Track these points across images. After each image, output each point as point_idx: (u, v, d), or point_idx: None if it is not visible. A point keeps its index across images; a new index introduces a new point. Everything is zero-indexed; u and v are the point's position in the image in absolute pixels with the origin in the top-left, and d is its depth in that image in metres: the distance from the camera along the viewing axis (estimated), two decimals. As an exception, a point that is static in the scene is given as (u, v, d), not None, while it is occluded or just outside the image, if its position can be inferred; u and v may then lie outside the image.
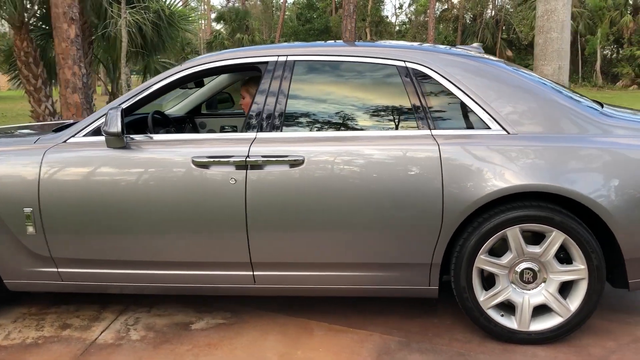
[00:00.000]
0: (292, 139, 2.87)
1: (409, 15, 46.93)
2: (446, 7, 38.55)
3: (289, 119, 2.93)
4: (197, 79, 3.22)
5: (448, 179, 2.70)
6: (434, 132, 2.80)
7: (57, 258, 3.02)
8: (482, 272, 2.82)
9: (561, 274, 2.75)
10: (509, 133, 2.77)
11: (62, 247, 2.99)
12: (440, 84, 2.87)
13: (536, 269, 2.77)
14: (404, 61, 2.94)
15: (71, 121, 3.99)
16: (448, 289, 2.93)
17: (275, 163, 2.80)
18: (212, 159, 2.83)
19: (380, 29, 39.18)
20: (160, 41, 10.53)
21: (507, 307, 2.86)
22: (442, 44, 30.95)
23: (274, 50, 3.07)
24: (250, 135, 2.91)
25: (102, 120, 3.02)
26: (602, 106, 3.03)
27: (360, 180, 2.75)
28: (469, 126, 2.82)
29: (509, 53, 33.14)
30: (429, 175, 2.71)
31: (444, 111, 2.85)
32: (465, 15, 35.90)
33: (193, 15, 11.47)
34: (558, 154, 2.68)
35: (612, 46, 33.38)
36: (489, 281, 2.85)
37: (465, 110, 2.84)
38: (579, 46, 32.44)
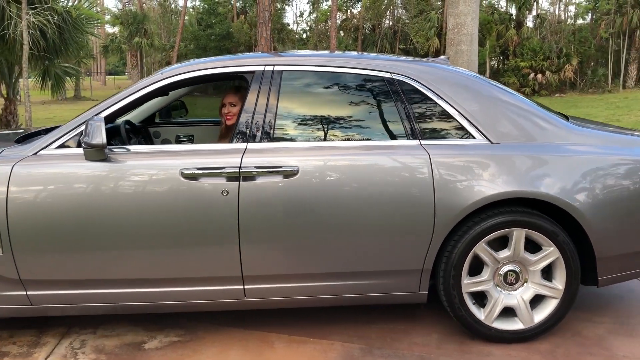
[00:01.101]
0: (284, 149, 2.84)
1: (310, 24, 47.60)
2: (346, 16, 39.49)
3: (279, 129, 2.91)
4: (179, 88, 3.10)
5: (439, 187, 2.78)
6: (423, 142, 2.90)
7: (27, 280, 2.77)
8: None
9: (537, 263, 2.92)
10: (492, 142, 2.91)
11: (34, 269, 2.75)
12: (426, 95, 2.96)
13: (518, 270, 2.95)
14: (390, 72, 3.00)
15: (32, 130, 3.67)
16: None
17: (269, 174, 2.76)
18: (202, 171, 2.74)
19: (283, 36, 39.40)
20: (63, 44, 9.96)
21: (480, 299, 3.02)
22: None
23: (260, 59, 3.04)
24: (241, 146, 2.84)
25: (77, 131, 2.84)
26: (568, 119, 3.25)
27: (354, 190, 2.77)
28: (454, 136, 2.93)
29: (407, 62, 34.48)
30: (421, 183, 2.78)
31: (430, 122, 2.95)
32: (365, 25, 36.98)
33: (101, 18, 10.94)
34: (539, 161, 2.86)
35: (499, 57, 35.67)
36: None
37: (449, 120, 2.95)
38: (470, 57, 34.30)
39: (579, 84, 32.08)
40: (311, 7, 45.97)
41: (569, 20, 40.74)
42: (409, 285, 2.92)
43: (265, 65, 2.99)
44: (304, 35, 47.37)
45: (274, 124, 2.90)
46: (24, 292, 2.80)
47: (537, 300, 2.99)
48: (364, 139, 2.93)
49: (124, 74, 69.24)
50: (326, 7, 41.98)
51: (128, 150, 2.83)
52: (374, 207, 2.78)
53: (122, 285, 2.81)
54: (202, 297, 2.87)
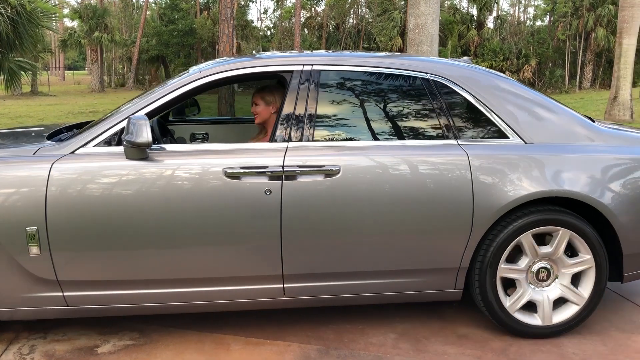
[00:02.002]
0: (324, 149, 2.85)
1: (274, 21, 47.43)
2: (311, 14, 39.48)
3: (318, 129, 2.91)
4: (217, 87, 3.03)
5: (477, 186, 2.85)
6: (460, 142, 2.95)
7: (64, 281, 2.72)
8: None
9: (571, 267, 3.02)
10: (525, 142, 2.99)
11: (71, 269, 2.70)
12: (461, 96, 3.02)
13: (551, 269, 3.03)
14: (427, 73, 3.05)
15: (61, 125, 3.63)
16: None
17: (311, 173, 2.77)
18: (246, 170, 2.74)
19: (246, 33, 39.14)
20: (17, 39, 9.66)
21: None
22: (308, 50, 31.72)
23: (298, 59, 3.04)
24: (282, 145, 2.85)
25: (115, 129, 2.80)
26: (593, 120, 3.32)
27: (394, 189, 2.81)
28: (489, 136, 2.99)
29: (370, 61, 34.67)
30: (460, 183, 2.84)
31: (466, 122, 3.01)
32: (329, 23, 37.04)
33: (59, 11, 10.65)
34: (571, 161, 2.95)
35: (461, 58, 36.26)
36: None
37: (484, 120, 3.01)
38: (433, 57, 34.70)
39: (537, 84, 32.83)
40: (275, 4, 45.81)
41: (528, 21, 41.68)
42: (446, 283, 2.98)
43: (303, 64, 2.99)
44: (268, 33, 47.18)
45: (314, 123, 2.91)
46: (61, 293, 2.75)
47: (559, 302, 3.07)
48: (401, 139, 2.96)
49: (84, 69, 67.72)
50: (290, 5, 41.89)
51: (164, 149, 2.80)
52: (414, 206, 2.82)
53: (160, 286, 2.79)
54: (241, 297, 2.87)
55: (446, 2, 36.15)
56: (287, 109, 2.91)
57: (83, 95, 28.69)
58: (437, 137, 2.97)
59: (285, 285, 2.87)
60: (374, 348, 2.95)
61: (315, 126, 2.91)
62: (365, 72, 3.04)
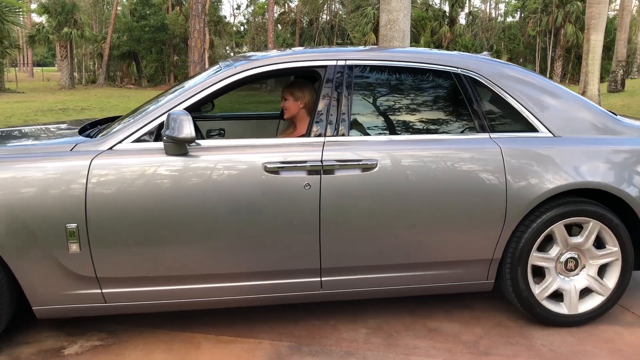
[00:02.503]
0: (360, 143, 2.88)
1: (247, 17, 47.13)
2: (284, 10, 39.34)
3: (353, 123, 2.95)
4: (252, 82, 3.05)
5: (510, 179, 2.91)
6: (492, 135, 3.01)
7: (103, 278, 2.71)
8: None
9: (599, 258, 3.10)
10: (554, 135, 3.06)
11: (111, 266, 2.69)
12: (492, 90, 3.08)
13: (579, 259, 3.11)
14: (458, 68, 3.10)
15: (85, 121, 3.64)
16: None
17: (348, 167, 2.80)
18: (285, 165, 2.76)
19: (219, 28, 38.83)
20: (-19, 34, 9.42)
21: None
22: (282, 47, 31.28)
23: (333, 54, 3.04)
24: (319, 139, 2.88)
25: (152, 125, 2.78)
26: (616, 114, 3.39)
27: (429, 182, 2.85)
28: (519, 130, 3.05)
29: (344, 57, 34.70)
30: (494, 175, 2.90)
31: (496, 115, 3.07)
32: (302, 19, 36.96)
33: (25, 6, 10.42)
34: (598, 154, 3.03)
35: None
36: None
37: (514, 114, 3.07)
38: (406, 52, 34.81)
39: (508, 80, 33.19)
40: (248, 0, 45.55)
41: (499, 18, 42.15)
42: (478, 275, 3.04)
43: (337, 60, 3.01)
44: (242, 28, 46.89)
45: (349, 117, 2.94)
46: (99, 290, 2.74)
47: (583, 292, 3.14)
48: (435, 133, 3.01)
49: (54, 66, 66.46)
50: (263, 1, 41.69)
51: (199, 144, 2.78)
52: (449, 199, 2.87)
53: (199, 281, 2.80)
54: (278, 291, 2.89)
55: (419, -2, 36.37)
56: (323, 104, 2.94)
57: (53, 92, 28.11)
58: (470, 131, 3.03)
59: (322, 279, 2.91)
60: (346, 343, 2.95)
61: (350, 121, 2.94)
62: (397, 67, 3.08)
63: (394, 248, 2.90)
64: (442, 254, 2.94)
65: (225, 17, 42.02)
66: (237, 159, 2.75)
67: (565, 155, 2.99)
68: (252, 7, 46.09)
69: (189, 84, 3.09)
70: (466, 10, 37.70)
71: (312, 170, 2.78)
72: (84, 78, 41.18)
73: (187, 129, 2.60)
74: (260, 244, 2.78)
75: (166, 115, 2.69)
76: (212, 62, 36.82)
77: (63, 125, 3.60)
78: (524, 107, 3.07)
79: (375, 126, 3.01)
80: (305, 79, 3.53)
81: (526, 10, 37.96)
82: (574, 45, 33.75)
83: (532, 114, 3.07)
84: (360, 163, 2.81)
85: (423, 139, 2.96)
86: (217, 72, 2.98)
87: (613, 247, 3.07)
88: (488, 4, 44.56)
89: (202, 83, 2.90)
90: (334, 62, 3.01)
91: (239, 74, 2.92)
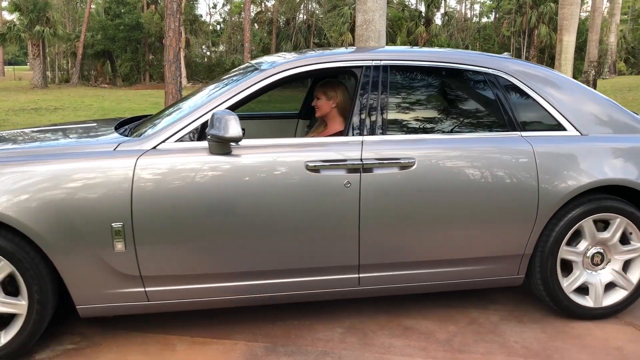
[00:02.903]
0: (398, 142, 2.95)
1: (223, 16, 46.88)
2: (261, 9, 39.21)
3: (390, 122, 3.01)
4: (289, 82, 3.10)
5: (542, 176, 3.01)
6: (523, 134, 3.10)
7: (146, 276, 2.73)
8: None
9: (625, 254, 3.22)
10: (581, 134, 3.16)
11: (154, 264, 2.72)
12: (522, 91, 3.18)
13: (605, 254, 3.21)
14: (489, 68, 3.18)
15: (116, 120, 3.72)
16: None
17: (387, 166, 2.87)
18: (326, 163, 2.81)
19: (195, 27, 38.55)
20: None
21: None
22: (258, 46, 30.93)
23: (369, 54, 3.13)
24: (357, 138, 2.93)
25: (194, 125, 2.82)
26: (638, 113, 3.49)
27: (465, 180, 2.94)
28: (548, 129, 3.16)
29: (321, 57, 34.68)
30: (528, 173, 3.00)
31: (527, 115, 3.16)
32: (279, 18, 36.87)
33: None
34: (625, 152, 3.15)
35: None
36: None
37: (543, 114, 3.17)
38: (382, 52, 34.94)
39: (484, 79, 33.57)
40: (225, -2, 45.32)
41: (474, 18, 42.60)
42: (510, 270, 3.14)
43: (373, 60, 3.07)
44: (218, 27, 46.62)
45: (386, 117, 3.00)
46: (143, 289, 2.76)
47: (609, 286, 3.24)
48: (469, 131, 3.09)
49: (26, 64, 65.28)
50: (240, 0, 41.50)
51: (239, 144, 2.81)
52: (484, 196, 2.96)
53: (239, 279, 2.84)
54: (317, 287, 2.94)
55: (395, -2, 36.57)
56: (361, 103, 3.00)
57: (25, 92, 27.62)
58: (501, 130, 3.11)
59: (360, 275, 2.96)
60: (322, 343, 2.96)
61: (387, 120, 3.00)
62: (431, 67, 3.15)
63: (430, 245, 2.98)
64: (477, 250, 3.03)
65: (201, 16, 41.81)
66: (279, 157, 2.81)
67: (593, 153, 3.10)
68: (228, 6, 45.86)
69: (224, 84, 3.19)
70: (442, 10, 38.03)
71: (352, 169, 2.84)
72: (57, 77, 40.54)
73: (235, 129, 2.62)
74: (301, 241, 2.83)
75: (210, 114, 2.72)
76: (188, 61, 36.59)
77: (93, 124, 3.66)
78: (553, 107, 3.18)
79: (411, 125, 3.08)
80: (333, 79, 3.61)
81: (501, 11, 38.45)
82: (547, 46, 34.26)
83: (560, 114, 3.17)
84: (398, 161, 2.88)
85: (457, 137, 3.04)
86: (254, 73, 3.00)
87: (637, 243, 3.20)
88: (463, 4, 45.02)
89: (243, 83, 2.93)
90: (370, 63, 3.07)
91: (280, 74, 2.96)
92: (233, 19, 44.77)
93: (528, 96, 3.17)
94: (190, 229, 2.70)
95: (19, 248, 2.59)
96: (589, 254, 3.18)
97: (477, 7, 45.97)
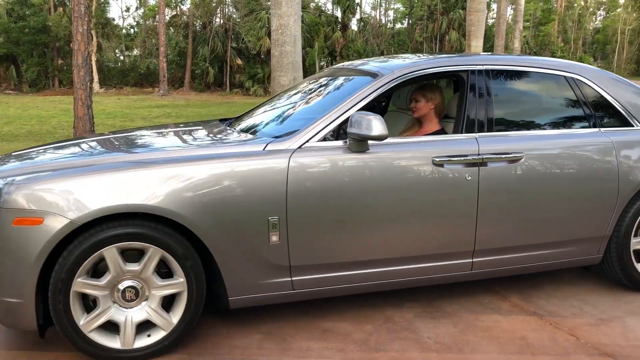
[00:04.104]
0: (507, 138, 3.33)
1: (137, 19, 45.50)
2: (176, 13, 38.37)
3: (497, 121, 3.37)
4: (403, 86, 3.51)
5: (621, 166, 3.49)
6: (602, 129, 3.56)
7: (294, 266, 2.97)
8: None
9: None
10: None
11: (303, 254, 2.97)
12: (597, 92, 3.64)
13: None
14: (570, 72, 3.64)
15: (221, 119, 4.14)
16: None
17: (500, 160, 3.24)
18: (450, 158, 3.14)
19: (108, 31, 37.18)
20: None
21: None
22: (174, 50, 30.02)
23: (473, 59, 3.50)
24: (471, 135, 3.28)
25: (332, 126, 3.06)
26: None
27: (564, 170, 3.36)
28: (618, 125, 3.64)
29: (239, 61, 34.41)
30: (610, 164, 3.47)
31: (602, 113, 3.63)
32: (195, 22, 36.21)
33: None
34: None
35: (327, 58, 37.17)
36: None
37: (614, 112, 3.65)
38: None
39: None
40: (138, 1, 44.06)
41: (389, 24, 43.72)
42: (592, 250, 3.57)
43: (477, 65, 3.43)
44: (132, 31, 45.21)
45: (492, 115, 3.36)
46: (289, 278, 2.98)
47: None
48: (560, 128, 3.52)
49: None
50: (154, 3, 40.47)
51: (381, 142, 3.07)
52: (579, 184, 3.40)
53: (372, 266, 3.11)
54: (435, 272, 3.26)
55: (311, 3, 36.91)
56: (470, 103, 3.34)
57: None
58: (584, 126, 3.56)
59: (473, 260, 3.29)
60: (239, 351, 2.92)
61: (493, 118, 3.36)
62: (523, 71, 3.57)
63: (532, 229, 3.36)
64: (571, 232, 3.45)
65: (113, 19, 40.34)
66: (409, 154, 3.11)
67: None
68: (142, 10, 44.57)
69: (334, 87, 3.65)
70: (357, 16, 38.73)
71: (471, 163, 3.18)
72: (-45, 83, 37.79)
73: (379, 128, 2.88)
74: (427, 230, 3.15)
75: (352, 115, 2.96)
76: (100, 66, 35.18)
77: (214, 122, 4.03)
78: (622, 106, 3.66)
79: (513, 122, 3.46)
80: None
81: (413, 17, 39.68)
82: (457, 50, 35.67)
83: (627, 111, 3.67)
84: (510, 156, 3.26)
85: (552, 133, 3.47)
86: (374, 80, 3.24)
87: None
88: (378, 10, 46.10)
89: (369, 87, 3.20)
90: (474, 67, 3.42)
91: (400, 78, 3.27)
92: (147, 22, 43.52)
93: (601, 96, 3.65)
94: (335, 221, 2.97)
95: (167, 235, 2.73)
96: None
97: (391, 13, 47.23)
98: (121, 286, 2.74)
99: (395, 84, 3.25)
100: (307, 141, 3.01)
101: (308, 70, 36.46)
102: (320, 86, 3.85)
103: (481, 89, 3.38)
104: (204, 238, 2.78)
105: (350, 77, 3.60)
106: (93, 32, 34.17)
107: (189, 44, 34.97)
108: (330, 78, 3.90)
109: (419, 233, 3.14)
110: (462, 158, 3.18)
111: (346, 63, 4.08)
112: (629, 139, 3.59)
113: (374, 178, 3.01)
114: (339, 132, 3.11)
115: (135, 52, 43.01)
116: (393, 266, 3.15)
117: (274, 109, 3.91)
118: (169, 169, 2.77)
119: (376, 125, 2.88)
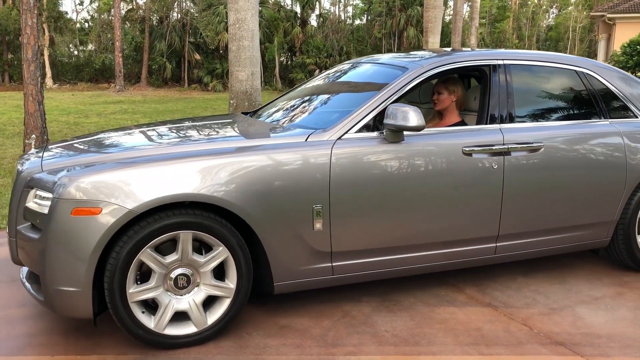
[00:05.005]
0: (528, 129, 3.54)
1: (91, 13, 44.40)
2: (132, 7, 37.58)
3: (517, 113, 3.57)
4: (430, 80, 3.64)
5: (628, 155, 3.74)
6: (611, 121, 3.81)
7: (335, 252, 3.10)
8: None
9: None
10: None
11: (343, 240, 3.10)
12: (604, 85, 3.89)
13: None
14: (580, 67, 3.87)
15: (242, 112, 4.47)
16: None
17: (523, 149, 3.43)
18: (478, 147, 3.32)
19: (60, 25, 36.14)
20: None
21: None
22: (130, 45, 29.51)
23: (495, 55, 3.68)
24: (496, 126, 3.47)
25: (368, 118, 3.20)
26: None
27: (577, 158, 3.58)
28: (623, 116, 3.89)
29: (197, 56, 33.94)
30: (618, 152, 3.72)
31: (609, 105, 3.88)
32: (152, 16, 35.53)
33: None
34: None
35: (287, 54, 37.02)
36: None
37: (620, 104, 3.91)
38: (260, 53, 34.91)
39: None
40: (92, -5, 42.95)
41: (348, 20, 43.85)
42: (602, 234, 3.81)
43: (498, 59, 3.62)
44: (86, 25, 44.10)
45: (514, 108, 3.55)
46: (330, 264, 3.12)
47: None
48: (574, 119, 3.76)
49: None
50: (109, -4, 39.52)
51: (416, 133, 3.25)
52: (592, 172, 3.63)
53: (407, 251, 3.28)
54: (461, 257, 3.44)
55: (270, -2, 36.66)
56: (494, 96, 3.52)
57: None
58: (595, 118, 3.80)
59: (497, 244, 3.50)
60: (194, 350, 2.88)
61: (514, 111, 3.56)
62: (539, 65, 3.77)
63: (551, 215, 3.57)
64: (585, 217, 3.68)
65: (66, 12, 39.07)
66: (442, 143, 3.28)
67: None
68: (96, 3, 43.50)
69: (365, 80, 3.83)
70: (317, 12, 38.70)
71: (497, 152, 3.37)
72: None
73: (417, 119, 3.01)
74: (457, 216, 3.32)
75: (388, 107, 3.11)
76: (53, 61, 34.19)
77: (241, 115, 4.21)
78: (628, 99, 3.93)
79: (532, 114, 3.67)
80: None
81: (372, 13, 39.89)
82: (416, 47, 36.03)
83: (632, 104, 3.93)
84: (532, 145, 3.46)
85: (568, 124, 3.70)
86: (404, 73, 3.39)
87: None
88: (337, 6, 46.15)
89: (401, 80, 3.34)
90: (496, 62, 3.61)
91: (429, 72, 3.42)
92: (102, 16, 42.51)
93: (609, 90, 3.90)
94: (373, 208, 3.11)
95: (231, 233, 2.86)
96: None
97: (350, 9, 47.39)
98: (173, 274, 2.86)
99: (424, 77, 3.41)
100: (346, 132, 3.15)
101: (267, 66, 36.28)
102: (346, 79, 4.07)
103: (502, 82, 3.57)
104: (254, 226, 2.89)
105: (379, 71, 3.78)
106: (45, 25, 33.18)
107: (145, 39, 34.31)
108: (353, 70, 4.11)
109: (449, 219, 3.32)
110: (489, 147, 3.36)
111: (363, 58, 4.28)
112: (634, 129, 3.84)
113: (410, 166, 3.18)
114: (373, 124, 3.25)
115: (90, 46, 42.00)
116: (424, 251, 3.33)
117: (303, 101, 4.05)
118: (221, 159, 2.88)
119: (413, 116, 3.02)
